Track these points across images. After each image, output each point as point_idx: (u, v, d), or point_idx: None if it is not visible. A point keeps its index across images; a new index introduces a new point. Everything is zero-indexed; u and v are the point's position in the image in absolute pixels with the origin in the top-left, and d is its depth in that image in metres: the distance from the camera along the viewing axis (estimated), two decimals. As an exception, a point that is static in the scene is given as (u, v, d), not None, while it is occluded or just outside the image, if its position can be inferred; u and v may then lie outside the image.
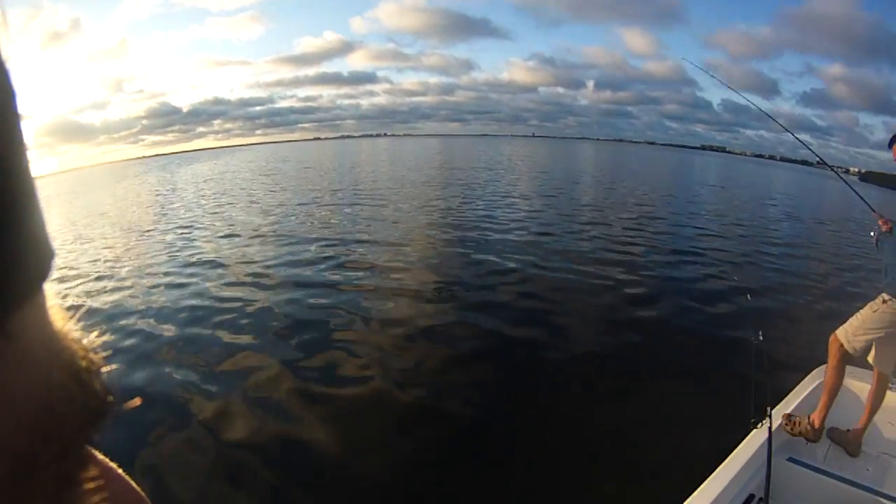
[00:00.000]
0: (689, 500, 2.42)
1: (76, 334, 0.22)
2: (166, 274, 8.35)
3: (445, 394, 4.32)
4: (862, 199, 3.51)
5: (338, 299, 6.65)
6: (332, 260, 8.70)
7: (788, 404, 3.36)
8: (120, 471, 0.28)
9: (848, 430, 3.11)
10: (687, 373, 4.89)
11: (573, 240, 10.61)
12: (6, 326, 0.17)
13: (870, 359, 3.03)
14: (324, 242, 10.10)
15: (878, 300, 2.93)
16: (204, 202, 18.40)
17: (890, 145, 2.84)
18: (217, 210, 15.69)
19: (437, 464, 3.44)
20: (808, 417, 3.05)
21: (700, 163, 78.46)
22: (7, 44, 0.16)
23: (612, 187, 24.27)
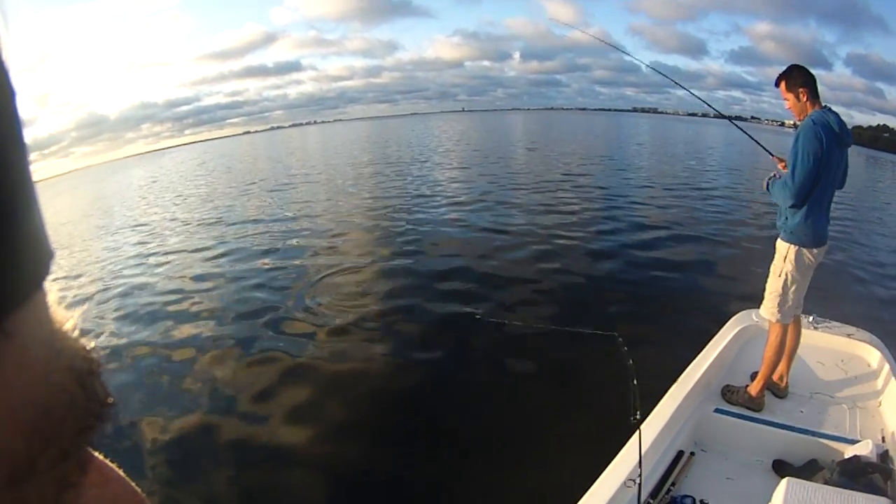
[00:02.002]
0: (616, 459, 2.35)
1: (76, 334, 0.22)
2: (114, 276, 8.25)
3: (374, 372, 4.43)
4: (760, 144, 3.48)
5: (277, 285, 6.83)
6: (272, 250, 8.80)
7: (713, 349, 3.28)
8: (120, 472, 0.28)
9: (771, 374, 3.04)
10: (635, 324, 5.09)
11: (505, 209, 10.86)
12: (5, 326, 0.16)
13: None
14: (264, 233, 10.21)
15: (779, 257, 2.85)
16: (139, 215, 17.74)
17: (777, 84, 2.74)
18: (155, 219, 15.18)
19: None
20: (746, 389, 2.98)
21: (632, 124, 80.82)
22: (6, 43, 0.16)
23: (547, 154, 24.74)
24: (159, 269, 8.46)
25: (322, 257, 7.97)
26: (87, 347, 0.22)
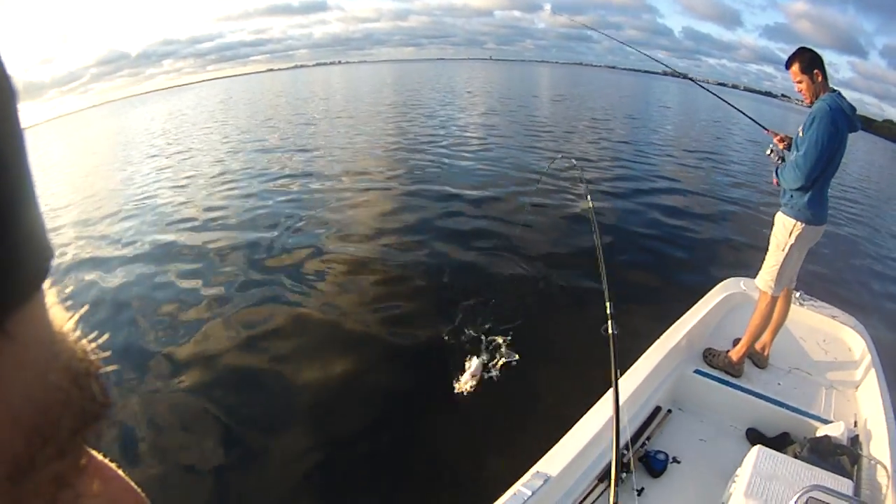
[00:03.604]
0: (593, 408, 2.37)
1: (75, 335, 0.22)
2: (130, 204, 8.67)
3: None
4: (753, 119, 3.47)
5: (284, 213, 7.08)
6: (287, 188, 8.86)
7: (698, 312, 3.31)
8: (119, 471, 0.28)
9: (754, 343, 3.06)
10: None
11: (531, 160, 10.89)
12: (5, 326, 0.16)
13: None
14: (281, 171, 10.32)
15: (783, 232, 2.83)
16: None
17: (787, 66, 2.70)
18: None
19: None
20: (728, 354, 3.01)
21: (661, 87, 77.84)
22: (6, 45, 0.14)
23: (573, 105, 24.28)
24: (175, 193, 8.98)
25: (330, 192, 8.26)
26: (86, 349, 0.22)
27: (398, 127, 15.28)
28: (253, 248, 6.06)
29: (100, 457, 0.26)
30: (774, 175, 2.85)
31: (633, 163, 11.02)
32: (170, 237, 6.76)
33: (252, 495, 2.89)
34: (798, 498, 1.58)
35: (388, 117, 18.05)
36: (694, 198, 8.70)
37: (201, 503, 2.86)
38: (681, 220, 7.35)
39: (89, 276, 5.65)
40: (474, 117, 17.82)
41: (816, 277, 5.29)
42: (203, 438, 3.26)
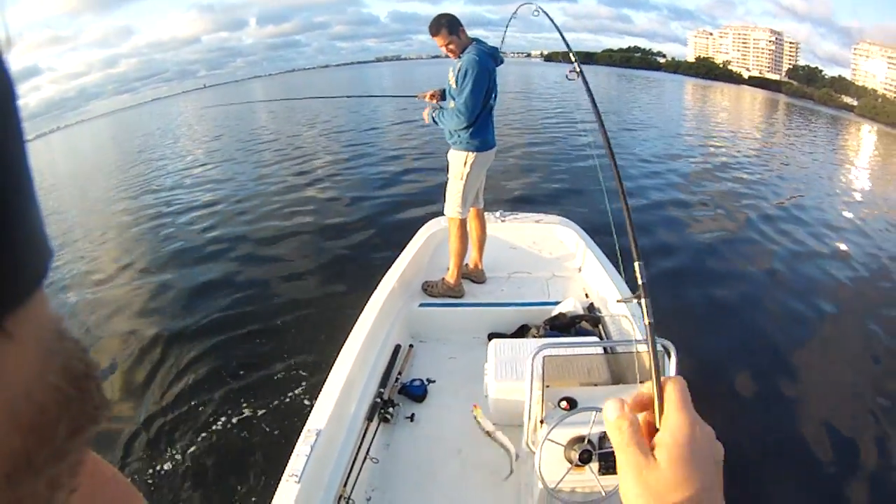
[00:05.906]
0: (337, 360, 2.34)
1: (73, 336, 0.22)
2: None
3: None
4: (399, 95, 6.00)
5: None
6: None
7: (407, 254, 3.35)
8: (117, 472, 0.28)
9: (466, 264, 3.24)
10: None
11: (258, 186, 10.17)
12: (5, 325, 0.16)
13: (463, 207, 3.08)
14: None
15: (458, 165, 3.03)
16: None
17: (434, 33, 2.88)
18: None
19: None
20: (443, 280, 3.13)
21: (374, 73, 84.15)
22: (5, 42, 0.16)
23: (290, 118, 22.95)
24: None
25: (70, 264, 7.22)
26: (84, 349, 0.22)
27: (120, 180, 13.93)
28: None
29: (98, 457, 0.27)
30: (433, 121, 3.04)
31: (346, 148, 12.52)
32: None
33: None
34: (532, 361, 1.59)
35: (106, 173, 16.47)
36: (393, 162, 10.01)
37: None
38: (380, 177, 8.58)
39: None
40: (195, 149, 17.49)
41: (517, 196, 6.66)
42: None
